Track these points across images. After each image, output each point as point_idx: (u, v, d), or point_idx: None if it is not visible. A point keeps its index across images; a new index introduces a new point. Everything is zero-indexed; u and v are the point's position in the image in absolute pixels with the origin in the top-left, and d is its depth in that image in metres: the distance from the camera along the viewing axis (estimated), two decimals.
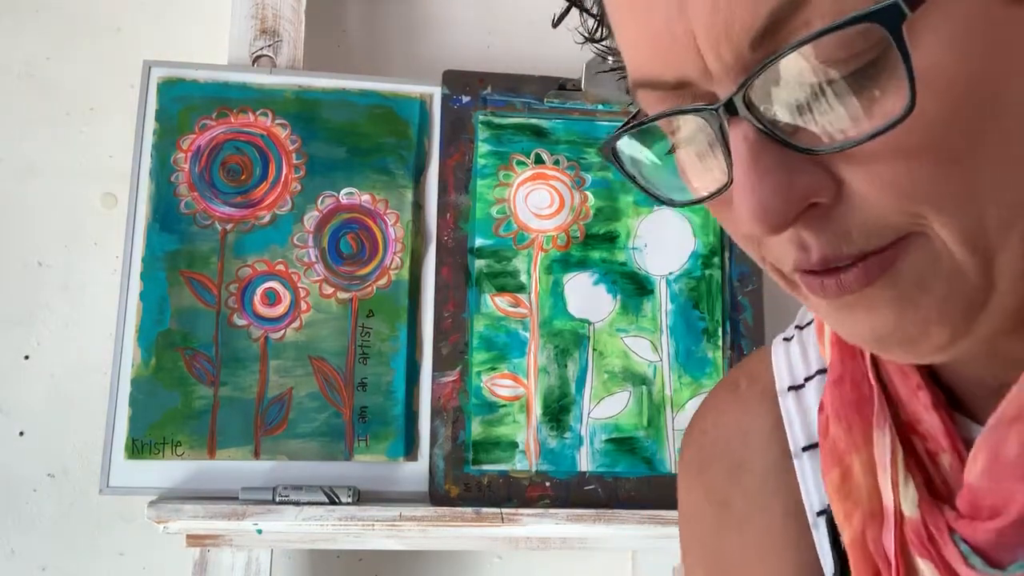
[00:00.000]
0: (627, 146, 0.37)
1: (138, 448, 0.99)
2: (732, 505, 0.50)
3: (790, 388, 0.49)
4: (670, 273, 1.10)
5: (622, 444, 1.04)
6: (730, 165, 0.32)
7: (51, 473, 1.10)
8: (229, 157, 1.06)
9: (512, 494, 1.03)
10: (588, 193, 1.10)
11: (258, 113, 1.07)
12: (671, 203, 0.38)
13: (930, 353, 0.35)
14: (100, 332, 1.10)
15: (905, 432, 0.41)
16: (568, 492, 1.03)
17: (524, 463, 1.04)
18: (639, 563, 1.06)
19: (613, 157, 0.37)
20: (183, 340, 1.01)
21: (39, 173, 1.14)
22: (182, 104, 1.06)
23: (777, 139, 0.31)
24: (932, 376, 0.42)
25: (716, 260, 1.10)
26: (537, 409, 1.05)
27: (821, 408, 0.45)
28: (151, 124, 1.05)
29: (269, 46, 1.10)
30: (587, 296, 1.08)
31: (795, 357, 0.50)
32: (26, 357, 1.11)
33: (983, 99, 0.30)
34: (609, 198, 1.10)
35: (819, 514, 0.46)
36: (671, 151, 0.37)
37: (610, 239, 1.09)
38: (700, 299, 1.09)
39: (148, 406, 0.99)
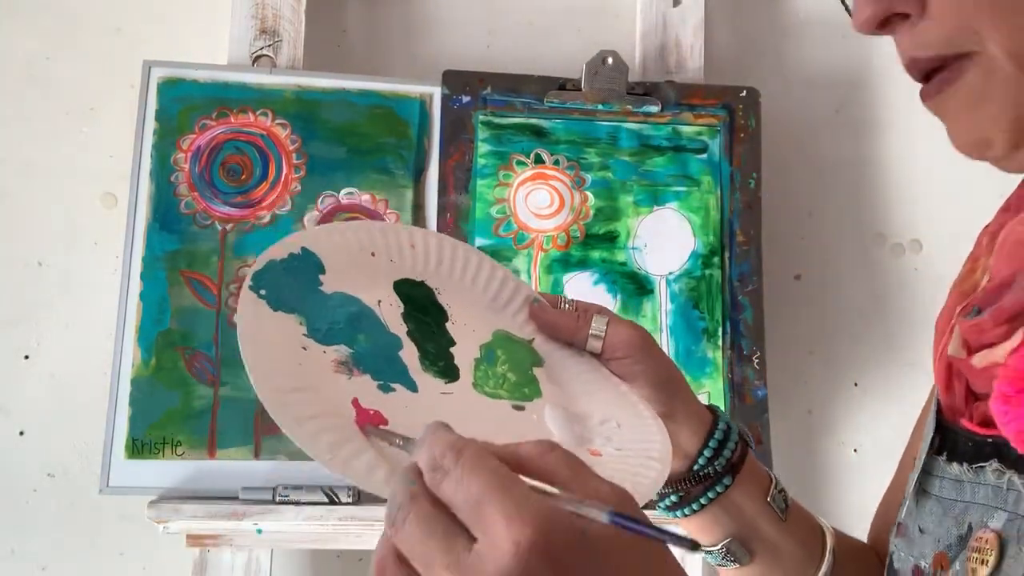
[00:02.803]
0: None
1: (138, 448, 0.99)
2: None
3: None
4: (670, 273, 1.10)
5: None
6: None
7: (51, 473, 1.10)
8: (229, 157, 1.06)
9: None
10: (588, 193, 1.10)
11: (258, 113, 1.07)
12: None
13: (1001, 160, 0.44)
14: (100, 332, 1.09)
15: None
16: None
17: None
18: None
19: None
20: (183, 340, 1.01)
21: (39, 173, 1.14)
22: (182, 104, 1.06)
23: None
24: None
25: (716, 260, 1.10)
26: None
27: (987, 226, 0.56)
28: (151, 124, 1.05)
29: (269, 46, 1.10)
30: (587, 296, 1.08)
31: None
32: (26, 357, 1.11)
33: None
34: (609, 198, 1.10)
35: None
36: None
37: (610, 239, 1.09)
38: (700, 299, 1.09)
39: (148, 406, 0.99)
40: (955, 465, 0.46)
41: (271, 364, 0.47)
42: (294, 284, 0.53)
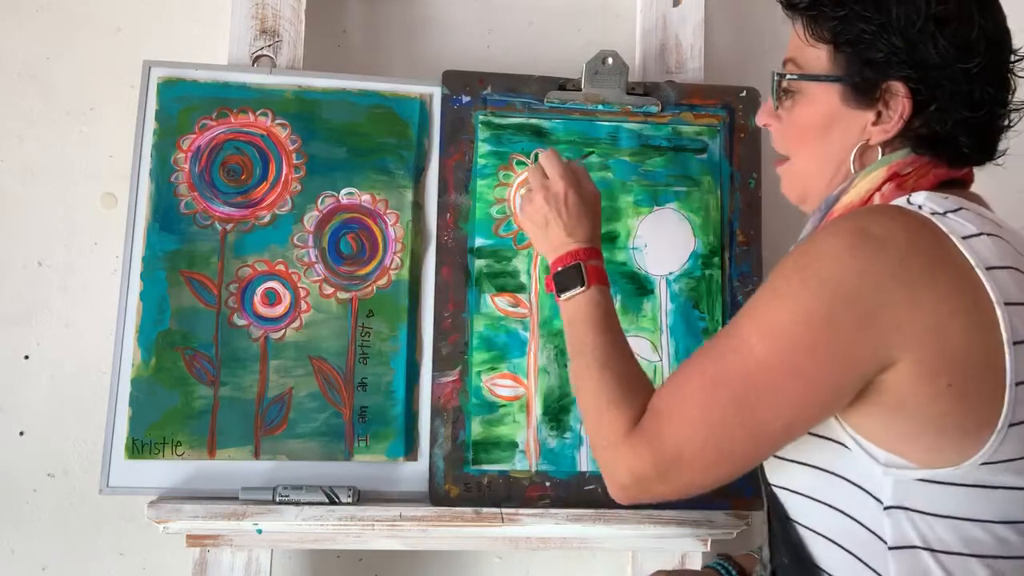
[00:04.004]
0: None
1: (138, 448, 0.99)
2: None
3: None
4: (670, 273, 1.10)
5: None
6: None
7: (51, 473, 1.10)
8: (229, 157, 1.06)
9: (512, 494, 1.03)
10: None
11: (258, 113, 1.07)
12: None
13: (802, 207, 0.85)
14: (100, 332, 1.10)
15: None
16: (568, 492, 1.03)
17: (524, 463, 1.04)
18: (639, 563, 1.06)
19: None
20: (183, 340, 1.01)
21: (39, 173, 1.14)
22: (182, 104, 1.06)
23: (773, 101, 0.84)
24: None
25: (716, 260, 1.10)
26: (537, 409, 1.05)
27: None
28: (151, 124, 1.05)
29: (269, 46, 1.10)
30: None
31: None
32: (26, 357, 1.11)
33: (819, 128, 0.80)
34: (609, 198, 1.10)
35: None
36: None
37: (610, 239, 1.09)
38: (700, 299, 1.09)
39: (148, 406, 0.99)
40: None
41: None
42: None
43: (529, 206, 0.92)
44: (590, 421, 0.79)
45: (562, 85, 1.11)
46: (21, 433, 1.10)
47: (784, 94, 0.82)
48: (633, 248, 1.10)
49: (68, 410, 1.11)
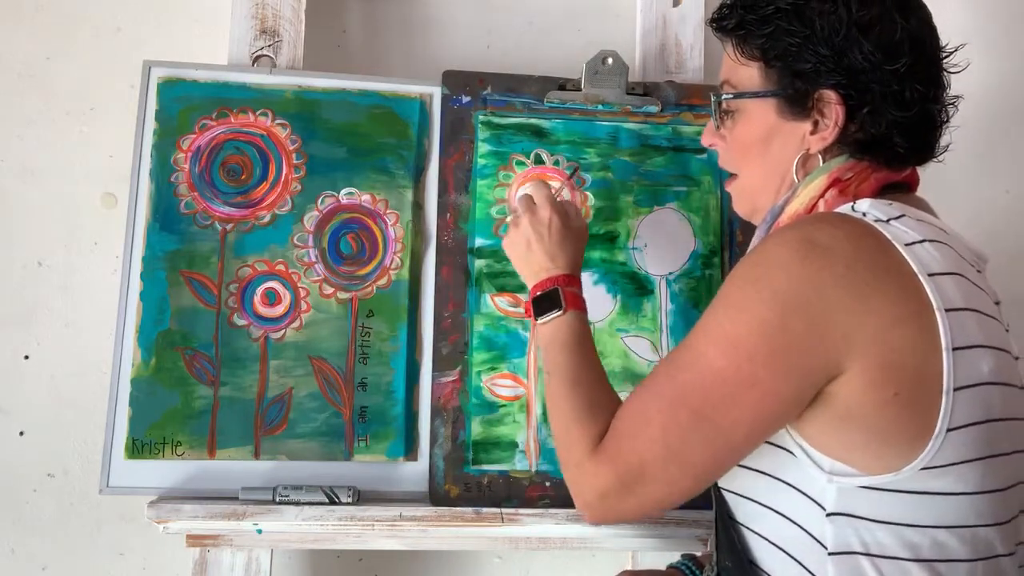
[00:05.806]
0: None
1: (138, 448, 0.99)
2: None
3: None
4: (670, 273, 1.10)
5: None
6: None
7: (51, 473, 1.10)
8: (229, 157, 1.06)
9: (512, 494, 1.03)
10: (588, 193, 1.10)
11: (258, 113, 1.07)
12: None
13: (753, 219, 0.86)
14: (100, 332, 1.10)
15: None
16: (568, 492, 1.03)
17: (524, 463, 1.04)
18: (639, 563, 1.06)
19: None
20: (183, 340, 1.01)
21: (39, 173, 1.14)
22: (182, 104, 1.06)
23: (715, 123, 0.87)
24: None
25: (716, 260, 1.10)
26: (537, 409, 1.05)
27: None
28: (151, 124, 1.05)
29: (269, 46, 1.10)
30: (587, 296, 1.07)
31: None
32: (26, 357, 1.11)
33: (760, 143, 0.81)
34: (609, 198, 1.10)
35: None
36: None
37: (610, 239, 1.09)
38: (700, 299, 1.09)
39: (148, 406, 0.99)
40: None
41: None
42: None
43: (514, 230, 0.93)
44: (559, 440, 0.80)
45: (562, 85, 1.11)
46: (21, 433, 1.10)
47: (724, 114, 0.84)
48: (633, 248, 1.10)
49: (68, 410, 1.11)
